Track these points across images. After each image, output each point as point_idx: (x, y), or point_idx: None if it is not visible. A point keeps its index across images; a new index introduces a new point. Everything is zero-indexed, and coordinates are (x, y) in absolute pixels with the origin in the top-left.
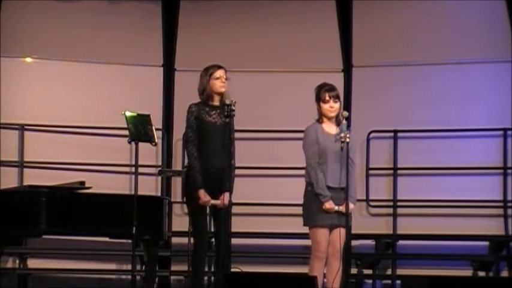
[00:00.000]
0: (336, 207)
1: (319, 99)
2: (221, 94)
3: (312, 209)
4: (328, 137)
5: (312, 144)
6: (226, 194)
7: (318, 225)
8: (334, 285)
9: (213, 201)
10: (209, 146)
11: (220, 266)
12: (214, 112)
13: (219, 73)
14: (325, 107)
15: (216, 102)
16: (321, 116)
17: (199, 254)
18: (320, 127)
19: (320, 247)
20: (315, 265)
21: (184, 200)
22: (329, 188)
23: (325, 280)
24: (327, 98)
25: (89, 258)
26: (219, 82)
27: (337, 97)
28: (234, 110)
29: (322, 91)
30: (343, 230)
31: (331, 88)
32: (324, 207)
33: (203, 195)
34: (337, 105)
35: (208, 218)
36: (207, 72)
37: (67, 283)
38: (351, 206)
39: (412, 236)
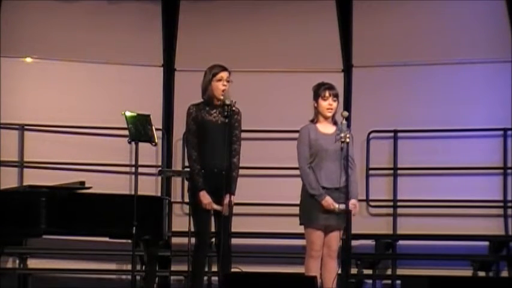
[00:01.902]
0: (336, 205)
1: (317, 96)
2: (220, 98)
3: (307, 209)
4: (324, 137)
5: (303, 145)
6: (231, 197)
7: (313, 226)
8: (331, 286)
9: (215, 206)
10: (210, 144)
11: (221, 266)
12: (215, 111)
13: (222, 75)
14: (324, 104)
15: (217, 102)
16: (317, 115)
17: (198, 254)
18: (314, 127)
19: (314, 246)
20: (310, 264)
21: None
22: (323, 188)
23: (320, 280)
24: (327, 95)
25: (89, 258)
26: (220, 85)
27: (336, 96)
28: (234, 110)
29: (322, 88)
30: (339, 232)
31: (331, 86)
32: (322, 205)
33: (203, 197)
34: (335, 105)
35: (210, 218)
36: (211, 72)
37: (67, 283)
38: (353, 203)
39: (412, 236)
